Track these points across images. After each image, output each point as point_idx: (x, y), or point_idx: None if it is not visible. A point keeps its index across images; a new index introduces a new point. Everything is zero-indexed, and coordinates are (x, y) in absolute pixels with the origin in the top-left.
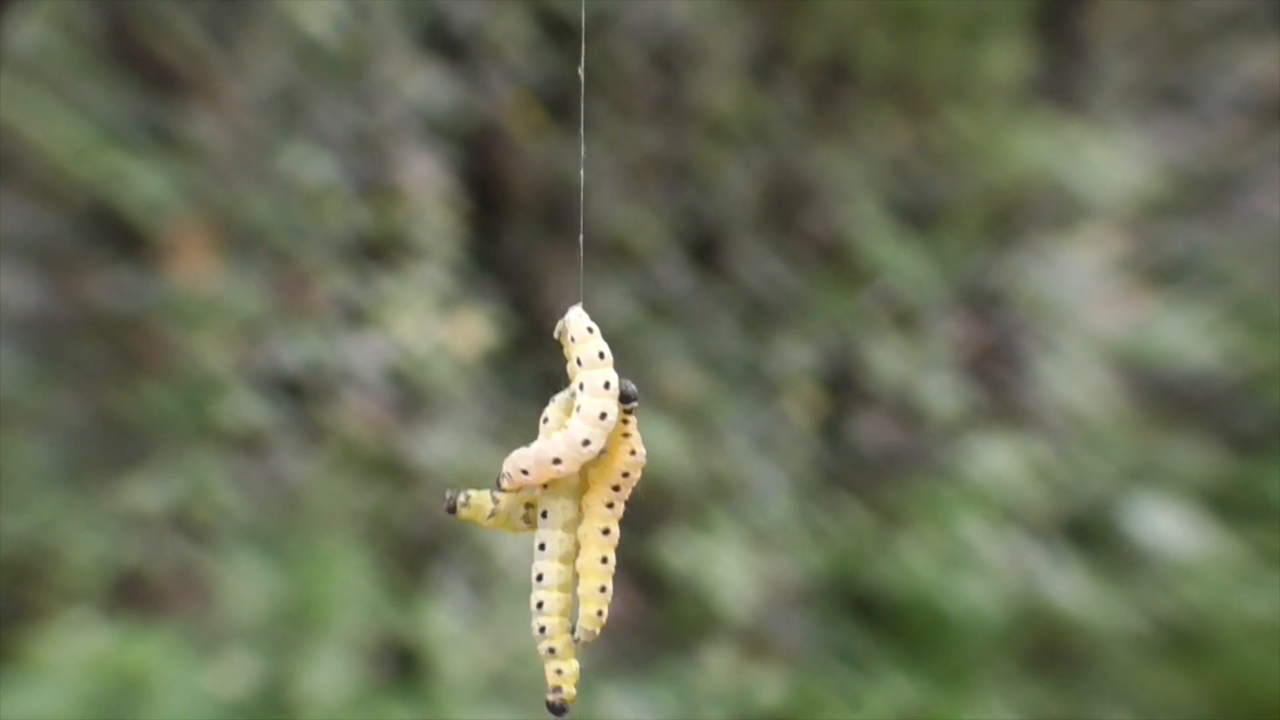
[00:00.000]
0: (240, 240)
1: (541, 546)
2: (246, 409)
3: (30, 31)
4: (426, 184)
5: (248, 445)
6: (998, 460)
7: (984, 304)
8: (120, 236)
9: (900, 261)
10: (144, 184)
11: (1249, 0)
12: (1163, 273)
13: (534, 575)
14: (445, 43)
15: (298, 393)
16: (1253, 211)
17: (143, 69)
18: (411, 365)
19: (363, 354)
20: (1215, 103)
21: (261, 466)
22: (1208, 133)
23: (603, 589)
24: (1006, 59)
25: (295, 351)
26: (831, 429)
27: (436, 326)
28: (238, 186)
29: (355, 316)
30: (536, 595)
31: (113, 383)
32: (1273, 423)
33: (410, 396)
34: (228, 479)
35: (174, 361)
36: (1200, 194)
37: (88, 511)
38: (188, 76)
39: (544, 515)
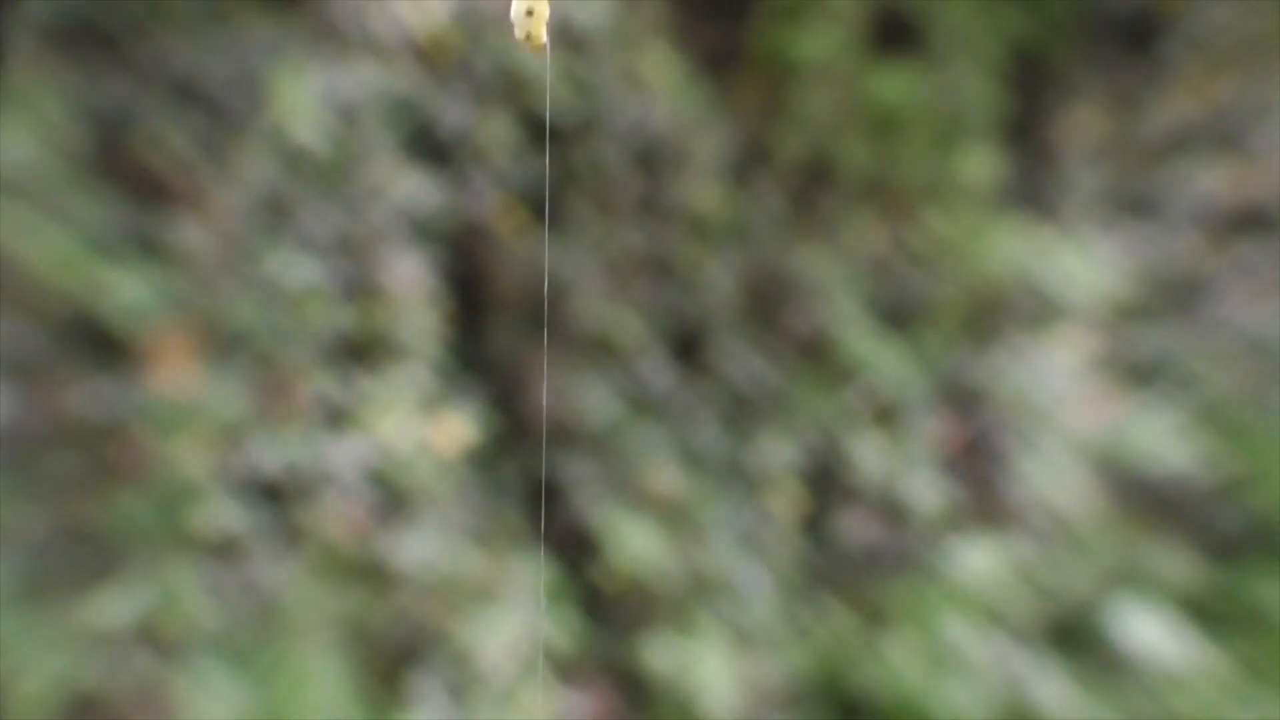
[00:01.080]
0: (222, 344)
1: None
2: (223, 515)
3: (20, 151)
4: (411, 285)
5: (223, 552)
6: (981, 561)
7: (964, 401)
8: (100, 344)
9: (881, 358)
10: (126, 292)
11: (1203, 118)
12: (1136, 374)
13: None
14: (432, 147)
15: (276, 496)
16: (1218, 317)
17: (130, 180)
18: (392, 466)
19: (343, 455)
20: (1177, 212)
21: (236, 574)
22: (1172, 240)
23: None
24: (980, 165)
25: (275, 454)
26: (815, 526)
27: (418, 426)
28: (221, 291)
29: (337, 418)
30: None
31: (84, 493)
32: (1251, 529)
33: (390, 498)
34: (200, 588)
35: (149, 469)
36: (1168, 299)
37: (47, 631)
38: (176, 186)
39: None
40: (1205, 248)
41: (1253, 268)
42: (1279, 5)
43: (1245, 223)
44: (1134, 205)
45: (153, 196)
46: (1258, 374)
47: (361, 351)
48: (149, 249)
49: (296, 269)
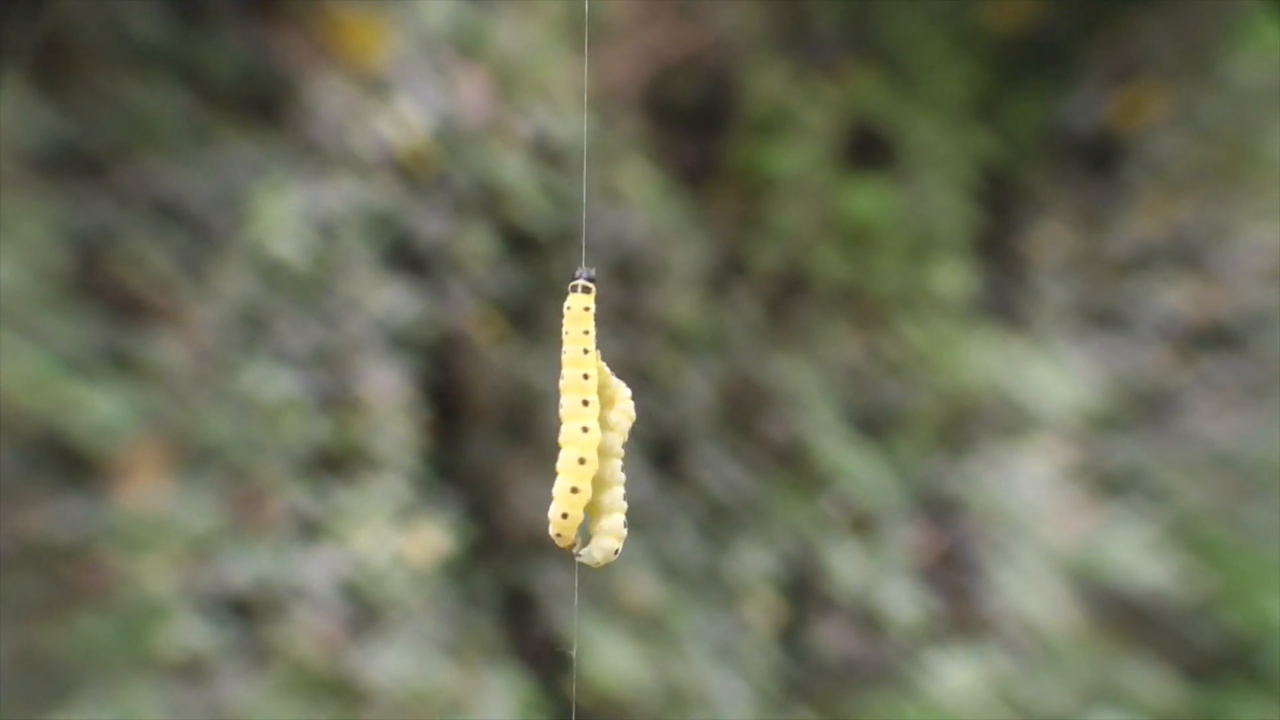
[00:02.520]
0: (195, 458)
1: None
2: (188, 633)
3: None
4: (387, 395)
5: (187, 672)
6: (958, 675)
7: (940, 510)
8: (69, 463)
9: (857, 467)
10: (98, 409)
11: (1164, 238)
12: (1108, 485)
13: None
14: (410, 259)
15: (245, 612)
16: (1186, 430)
17: (109, 299)
18: (366, 578)
19: (316, 568)
20: (1144, 326)
21: (201, 694)
22: (1140, 353)
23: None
24: (952, 277)
25: (245, 569)
26: (791, 636)
27: (393, 537)
28: (195, 405)
29: (310, 530)
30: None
31: (45, 616)
32: (1226, 647)
33: (363, 611)
34: (162, 711)
35: (113, 589)
36: (1138, 411)
37: None
38: (154, 303)
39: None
40: (1171, 361)
41: (1218, 382)
42: (1228, 139)
43: (1208, 338)
44: (1102, 318)
45: (131, 314)
46: (1227, 488)
47: (337, 463)
48: (124, 366)
49: (272, 381)
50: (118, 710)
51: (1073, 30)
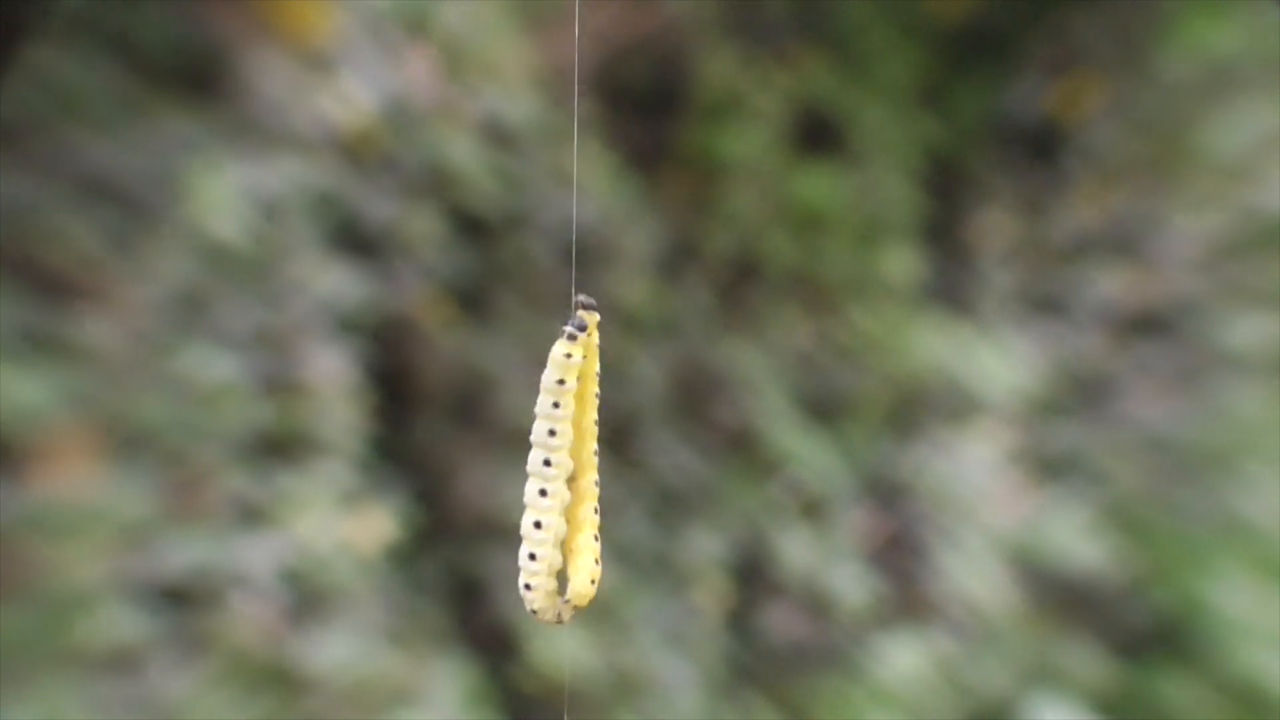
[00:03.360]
0: (128, 443)
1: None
2: (117, 625)
3: None
4: (333, 379)
5: (116, 664)
6: (904, 658)
7: (887, 494)
8: None
9: (807, 452)
10: (18, 392)
11: (1101, 226)
12: (1048, 469)
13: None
14: (357, 240)
15: (180, 601)
16: (1122, 414)
17: (31, 278)
18: (309, 565)
19: (256, 555)
20: (1083, 313)
21: (130, 687)
22: (1079, 339)
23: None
24: (900, 262)
25: (181, 556)
26: (740, 621)
27: (338, 523)
28: (128, 389)
29: (251, 516)
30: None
31: None
32: (1156, 626)
33: (306, 598)
34: (88, 706)
35: (36, 579)
36: (1077, 395)
37: None
38: (81, 283)
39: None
40: (1108, 347)
41: (1151, 367)
42: (1160, 131)
43: (1143, 325)
44: (1044, 305)
45: (56, 294)
46: (1159, 471)
47: (280, 447)
48: (49, 348)
49: (212, 364)
50: (40, 707)
51: (1014, 21)
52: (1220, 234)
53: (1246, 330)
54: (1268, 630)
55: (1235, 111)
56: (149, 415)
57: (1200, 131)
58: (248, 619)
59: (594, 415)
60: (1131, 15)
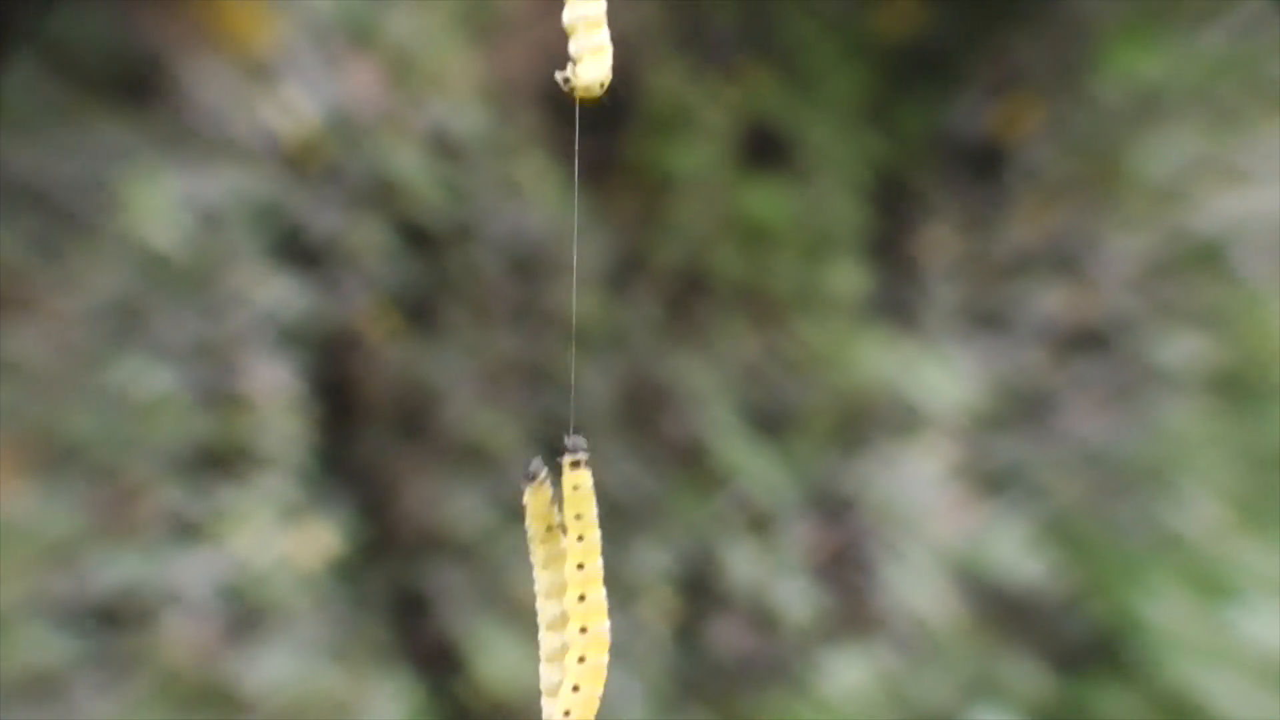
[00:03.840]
0: (56, 458)
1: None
2: (40, 646)
3: None
4: (274, 390)
5: (36, 688)
6: (849, 672)
7: (833, 508)
8: None
9: (754, 465)
10: None
11: (1041, 243)
12: (990, 483)
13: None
14: (301, 251)
15: (109, 620)
16: (1061, 429)
17: None
18: (247, 580)
19: (191, 572)
20: (1024, 328)
21: (52, 711)
22: (1021, 354)
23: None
24: (847, 277)
25: (111, 575)
26: (687, 635)
27: (278, 537)
28: (58, 402)
29: (186, 532)
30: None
31: None
32: (1093, 641)
33: (243, 615)
34: None
35: None
36: (1018, 410)
37: None
38: (6, 292)
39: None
40: (1048, 362)
41: (1089, 383)
42: (1092, 154)
43: (1082, 341)
44: (987, 320)
45: None
46: (1096, 486)
47: (218, 461)
48: None
49: (147, 376)
50: None
51: (957, 41)
52: (1154, 253)
53: (1178, 348)
54: (1198, 644)
55: (1164, 136)
56: (79, 429)
57: (1132, 154)
58: (181, 638)
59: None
60: (1067, 40)
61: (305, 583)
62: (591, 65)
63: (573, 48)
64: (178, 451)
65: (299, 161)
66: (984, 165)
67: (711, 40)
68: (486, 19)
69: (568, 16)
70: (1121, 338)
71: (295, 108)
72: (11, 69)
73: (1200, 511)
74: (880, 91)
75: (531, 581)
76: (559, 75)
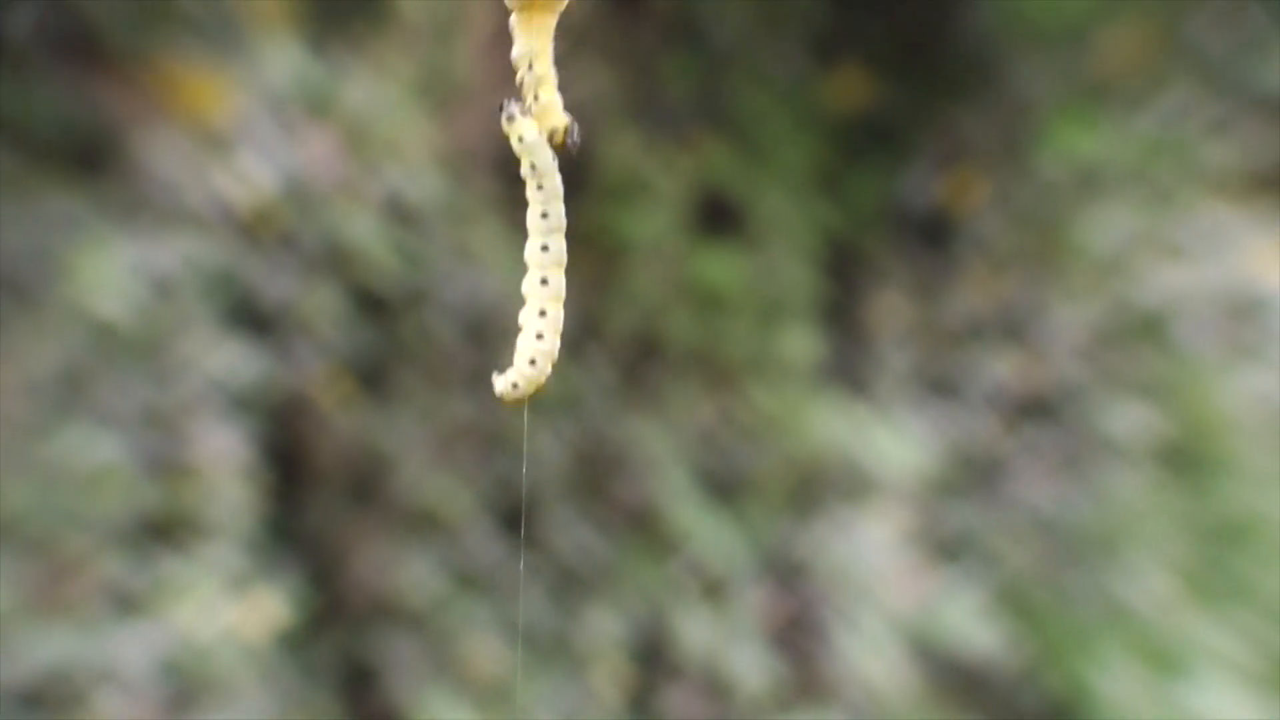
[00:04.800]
0: None
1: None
2: None
3: None
4: (223, 458)
5: None
6: None
7: (787, 574)
8: None
9: (708, 531)
10: None
11: (990, 312)
12: (944, 550)
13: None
14: (253, 318)
15: (39, 702)
16: (1012, 496)
17: None
18: (189, 655)
19: (131, 647)
20: (975, 395)
21: None
22: (972, 421)
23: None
24: (799, 343)
25: (41, 653)
26: (640, 703)
27: (224, 608)
28: None
29: (127, 605)
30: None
31: None
32: (1046, 711)
33: (185, 690)
34: None
35: None
36: (970, 476)
37: None
38: None
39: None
40: (999, 429)
41: (1039, 450)
42: (1037, 227)
43: (1031, 409)
44: (938, 386)
45: None
46: (1047, 554)
47: (163, 531)
48: None
49: (91, 447)
50: None
51: (906, 115)
52: (1098, 324)
53: (1125, 418)
54: (1145, 715)
55: (1104, 212)
56: (15, 502)
57: (1075, 228)
58: (117, 717)
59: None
60: (1010, 117)
61: (250, 655)
62: (526, 373)
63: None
64: (120, 523)
65: (253, 229)
66: (934, 235)
67: (666, 111)
68: (442, 88)
69: (521, 316)
70: (1069, 406)
71: (251, 176)
72: None
73: (1150, 584)
74: (832, 162)
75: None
76: (496, 379)
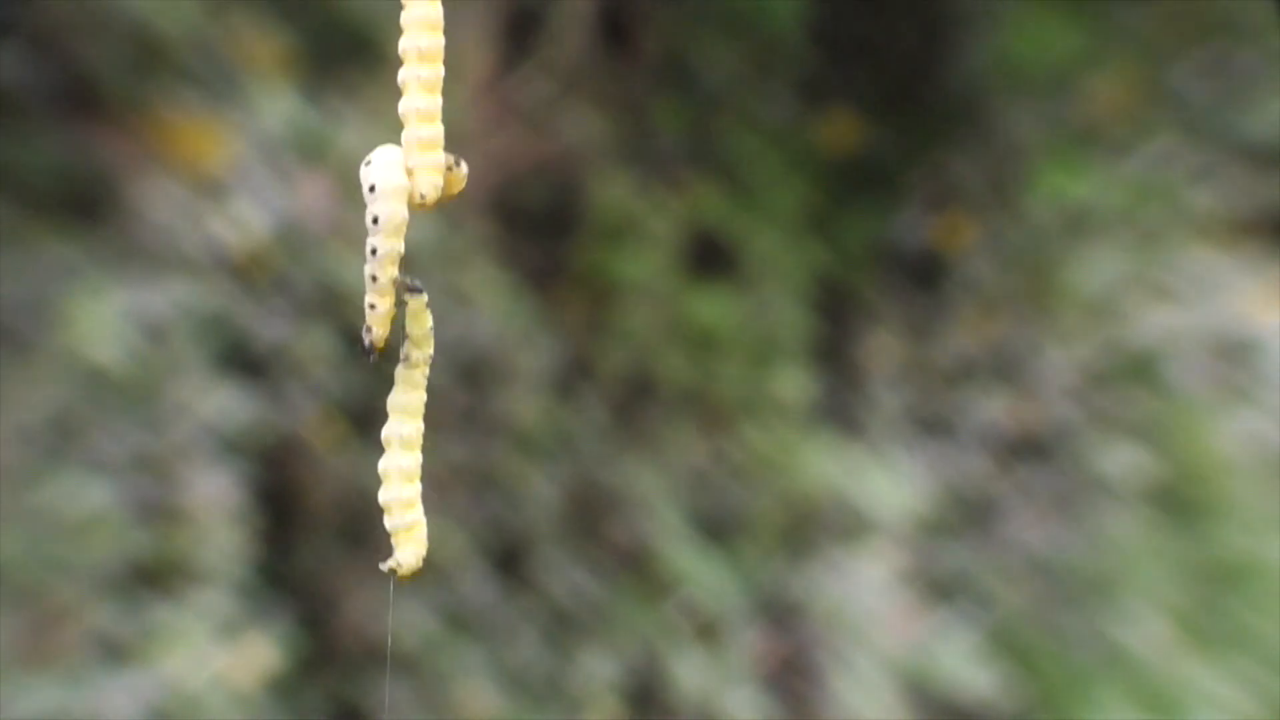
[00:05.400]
0: None
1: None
2: None
3: None
4: (215, 503)
5: None
6: None
7: (781, 615)
8: None
9: (701, 572)
10: None
11: (982, 352)
12: (938, 590)
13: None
14: (246, 361)
15: None
16: (1007, 537)
17: None
18: (179, 703)
19: (119, 697)
20: (968, 435)
21: None
22: (966, 461)
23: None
24: (792, 383)
25: (27, 704)
26: None
27: (214, 655)
28: None
29: (115, 654)
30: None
31: None
32: None
33: None
34: None
35: None
36: (964, 517)
37: None
38: None
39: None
40: (992, 470)
41: (1033, 491)
42: (1028, 268)
43: (1024, 449)
44: (931, 426)
45: None
46: (1042, 595)
47: (153, 578)
48: None
49: (82, 493)
50: None
51: (896, 158)
52: (1090, 364)
53: (1118, 459)
54: None
55: (1094, 254)
56: (6, 550)
57: (1065, 269)
58: None
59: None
60: (1000, 161)
61: (241, 702)
62: (409, 549)
63: (389, 524)
64: (110, 570)
65: (247, 273)
66: (925, 275)
67: (657, 153)
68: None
69: (382, 496)
70: (1062, 446)
71: (245, 221)
72: None
73: (1146, 626)
74: (823, 203)
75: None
76: (382, 566)
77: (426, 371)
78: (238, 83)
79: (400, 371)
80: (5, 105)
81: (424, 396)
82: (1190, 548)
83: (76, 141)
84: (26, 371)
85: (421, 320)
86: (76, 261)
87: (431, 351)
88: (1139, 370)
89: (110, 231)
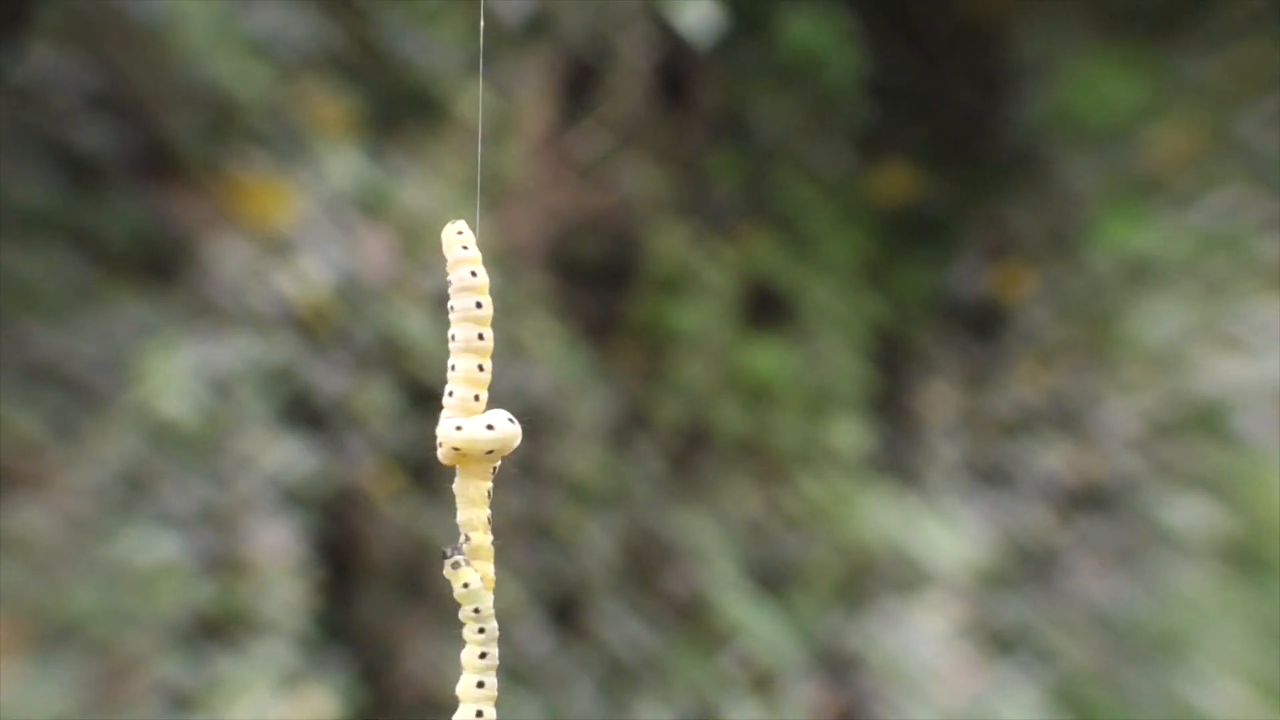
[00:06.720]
0: (54, 634)
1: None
2: None
3: None
4: (277, 555)
5: None
6: None
7: (838, 667)
8: None
9: (757, 623)
10: None
11: (1041, 402)
12: (998, 643)
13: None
14: (308, 414)
15: None
16: (1068, 589)
17: None
18: None
19: None
20: (1028, 485)
21: None
22: (1025, 512)
23: None
24: (848, 433)
25: None
26: None
27: (276, 706)
28: (58, 577)
29: (182, 704)
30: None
31: None
32: None
33: None
34: None
35: None
36: (1024, 569)
37: None
38: (17, 470)
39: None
40: (1052, 521)
41: (1095, 542)
42: (1088, 318)
43: (1085, 500)
44: (989, 477)
45: None
46: (1105, 650)
47: (217, 629)
48: None
49: (151, 546)
50: None
51: (951, 209)
52: (1153, 414)
53: (1184, 511)
54: None
55: (1157, 304)
56: (78, 603)
57: (1126, 319)
58: None
59: None
60: (1058, 211)
61: None
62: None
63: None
64: (176, 621)
65: (310, 327)
66: (982, 325)
67: (714, 205)
68: (496, 187)
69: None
70: (1125, 498)
71: (309, 277)
72: (39, 253)
73: (1218, 686)
74: (878, 254)
75: None
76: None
77: (496, 629)
78: (305, 143)
79: (471, 634)
80: (90, 172)
81: (497, 653)
82: (1263, 604)
83: (153, 203)
84: (101, 426)
85: (470, 598)
86: (151, 319)
87: (491, 606)
88: (1205, 421)
89: (182, 289)
